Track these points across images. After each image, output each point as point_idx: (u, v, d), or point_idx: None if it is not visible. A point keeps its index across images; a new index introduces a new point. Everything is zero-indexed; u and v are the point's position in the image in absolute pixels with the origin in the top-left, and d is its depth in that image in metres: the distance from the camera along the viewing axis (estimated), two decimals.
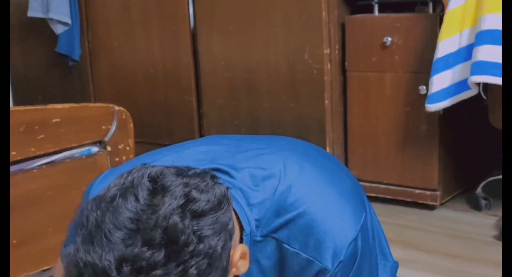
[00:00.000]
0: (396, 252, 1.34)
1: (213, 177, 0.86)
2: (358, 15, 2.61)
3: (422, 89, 2.45)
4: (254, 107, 2.85)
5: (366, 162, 2.64)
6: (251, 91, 2.86)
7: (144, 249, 0.75)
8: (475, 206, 2.55)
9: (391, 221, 2.43)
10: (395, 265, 1.24)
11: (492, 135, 2.70)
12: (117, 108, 2.08)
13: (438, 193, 2.54)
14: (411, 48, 2.47)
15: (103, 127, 2.05)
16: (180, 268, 0.75)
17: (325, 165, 1.08)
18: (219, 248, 0.80)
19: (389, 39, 2.49)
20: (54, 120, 1.93)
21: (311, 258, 0.97)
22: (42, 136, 1.89)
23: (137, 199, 0.78)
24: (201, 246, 0.77)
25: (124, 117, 2.10)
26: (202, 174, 0.85)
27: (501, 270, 2.02)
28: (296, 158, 1.03)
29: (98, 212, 0.79)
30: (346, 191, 1.04)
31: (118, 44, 3.26)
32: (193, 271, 0.76)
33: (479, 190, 2.54)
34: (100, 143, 2.07)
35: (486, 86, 2.20)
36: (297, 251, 0.97)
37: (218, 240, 0.79)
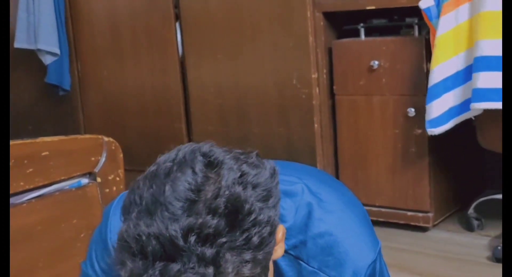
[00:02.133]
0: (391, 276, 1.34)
1: (257, 155, 0.86)
2: (345, 40, 2.63)
3: (411, 111, 2.47)
4: (244, 133, 2.86)
5: (357, 185, 2.64)
6: (241, 117, 2.87)
7: (209, 217, 0.75)
8: (468, 226, 2.55)
9: (384, 244, 2.39)
10: None
11: (482, 155, 2.72)
12: (106, 139, 2.08)
13: (430, 214, 2.54)
14: (398, 71, 2.49)
15: (93, 159, 2.05)
16: (244, 236, 0.76)
17: (340, 189, 1.08)
18: (276, 219, 0.81)
19: (376, 62, 2.51)
20: (43, 154, 1.93)
21: None
22: (31, 170, 1.88)
23: (194, 172, 0.79)
24: (262, 216, 0.78)
25: (113, 147, 2.09)
26: (247, 152, 0.86)
27: None
28: (314, 181, 1.03)
29: (154, 187, 0.79)
30: (363, 215, 1.05)
31: (107, 73, 3.27)
32: (256, 239, 0.77)
33: (471, 210, 2.54)
34: (90, 174, 2.07)
35: None
36: (316, 270, 0.97)
37: (275, 211, 0.81)
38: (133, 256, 0.76)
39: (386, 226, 2.60)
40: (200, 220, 0.75)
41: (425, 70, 2.41)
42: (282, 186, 0.94)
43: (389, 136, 2.56)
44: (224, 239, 0.75)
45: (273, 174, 0.84)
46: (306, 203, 0.99)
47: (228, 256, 0.75)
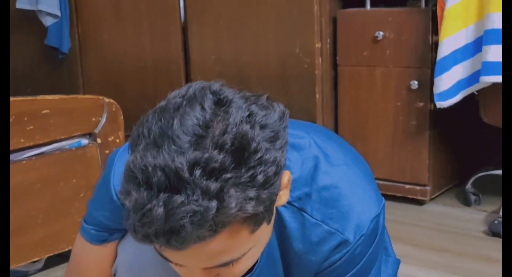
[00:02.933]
0: None
1: (268, 98, 0.86)
2: (350, 9, 2.61)
3: (414, 84, 2.45)
4: None
5: None
6: (242, 85, 2.83)
7: (215, 152, 0.75)
8: (465, 201, 2.55)
9: None
10: (397, 261, 1.24)
11: (482, 131, 2.71)
12: (107, 100, 2.07)
13: (428, 188, 2.54)
14: (403, 42, 2.47)
15: (93, 119, 2.04)
16: (249, 173, 0.76)
17: (346, 146, 1.08)
18: (282, 160, 0.81)
19: (381, 33, 2.49)
20: (43, 111, 1.92)
21: (333, 230, 0.97)
22: (31, 127, 1.87)
23: (203, 108, 0.79)
24: (267, 155, 0.78)
25: (114, 109, 2.08)
26: (258, 95, 0.86)
27: (490, 264, 2.02)
28: (321, 137, 1.03)
29: (163, 120, 0.79)
30: (368, 172, 1.05)
31: (108, 37, 3.24)
32: (260, 177, 0.77)
33: (468, 185, 2.54)
34: (90, 135, 2.06)
35: None
36: (319, 222, 0.97)
37: (282, 153, 0.81)
38: (138, 186, 0.76)
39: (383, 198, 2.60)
40: (206, 155, 0.75)
41: (431, 43, 2.39)
42: (290, 139, 0.94)
43: (391, 108, 2.55)
44: (229, 175, 0.75)
45: (282, 117, 0.84)
46: (313, 156, 0.99)
47: (232, 191, 0.75)
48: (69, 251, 1.95)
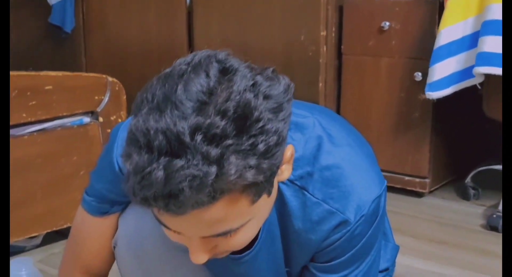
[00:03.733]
0: None
1: (274, 71, 0.86)
2: None
3: (418, 75, 2.45)
4: None
5: None
6: None
7: (217, 119, 0.75)
8: (464, 195, 2.55)
9: None
10: (396, 247, 1.24)
11: (484, 125, 2.71)
12: (110, 79, 2.07)
13: (427, 180, 2.54)
14: (409, 33, 2.46)
15: (96, 98, 2.03)
16: (250, 141, 0.76)
17: (349, 128, 1.08)
18: (285, 132, 0.81)
19: (387, 23, 2.48)
20: (46, 87, 1.91)
21: (333, 209, 0.97)
22: (34, 102, 1.87)
23: (208, 76, 0.79)
24: (270, 125, 0.78)
25: (117, 88, 2.08)
26: (263, 67, 0.86)
27: (487, 257, 2.03)
28: (325, 117, 1.03)
29: (166, 86, 0.79)
30: (370, 153, 1.05)
31: (113, 17, 3.23)
32: (261, 146, 0.77)
33: (468, 179, 2.54)
34: (92, 113, 2.05)
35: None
36: (320, 201, 0.97)
37: (284, 125, 0.81)
38: (139, 149, 0.76)
39: None
40: (208, 121, 0.75)
41: (436, 34, 2.38)
42: (294, 118, 0.94)
43: (394, 99, 2.54)
44: (230, 142, 0.75)
45: (287, 90, 0.84)
46: (316, 136, 0.98)
47: (232, 158, 0.75)
48: (68, 228, 1.95)
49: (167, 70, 0.83)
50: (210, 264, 1.11)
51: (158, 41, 3.10)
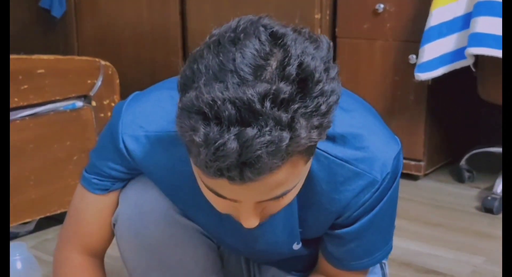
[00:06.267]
0: None
1: (310, 31, 0.86)
2: None
3: (412, 58, 2.43)
4: None
5: None
6: None
7: (282, 84, 0.76)
8: (459, 178, 2.55)
9: None
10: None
11: (479, 108, 2.71)
12: (103, 62, 2.04)
13: (422, 163, 2.54)
14: (403, 16, 2.44)
15: (89, 82, 2.01)
16: (314, 103, 0.77)
17: (350, 94, 1.08)
18: (339, 90, 0.82)
19: (381, 6, 2.46)
20: (38, 71, 1.89)
21: (359, 170, 0.98)
22: (26, 86, 1.85)
23: (260, 41, 0.79)
24: (328, 86, 0.79)
25: (110, 72, 2.05)
26: (301, 28, 0.85)
27: (482, 238, 2.03)
28: None
29: (221, 56, 0.78)
30: (379, 116, 1.07)
31: (105, 0, 3.19)
32: (323, 107, 0.78)
33: (463, 162, 2.54)
34: (85, 97, 2.03)
35: (476, 58, 2.18)
36: (344, 163, 0.98)
37: (338, 83, 0.82)
38: (207, 121, 0.75)
39: None
40: (274, 86, 0.75)
41: None
42: None
43: (389, 82, 2.53)
44: (297, 105, 0.76)
45: (329, 47, 0.84)
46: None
47: (302, 121, 0.76)
48: (61, 214, 1.95)
49: (213, 38, 0.81)
50: (220, 233, 1.11)
51: (151, 25, 3.07)
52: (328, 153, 0.98)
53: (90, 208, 1.15)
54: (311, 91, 0.77)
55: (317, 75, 0.78)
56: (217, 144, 0.74)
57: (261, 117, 0.74)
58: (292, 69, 0.76)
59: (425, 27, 2.22)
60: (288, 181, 0.83)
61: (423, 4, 2.38)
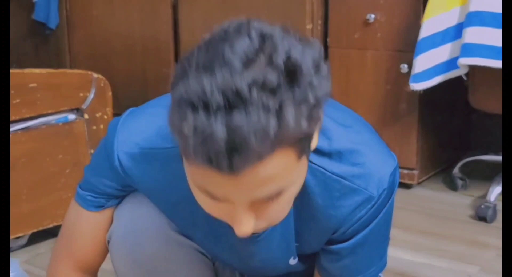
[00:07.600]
0: None
1: (302, 35, 0.87)
2: None
3: (404, 67, 2.44)
4: None
5: None
6: None
7: (270, 73, 0.76)
8: (452, 186, 2.56)
9: None
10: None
11: (471, 116, 2.72)
12: (95, 75, 2.04)
13: (415, 172, 2.54)
14: (394, 26, 2.46)
15: (81, 95, 2.01)
16: (302, 93, 0.77)
17: (345, 109, 1.08)
18: (328, 88, 0.82)
19: (372, 16, 2.47)
20: (30, 85, 1.89)
21: (355, 186, 0.98)
22: (18, 100, 1.85)
23: (250, 37, 0.80)
24: (316, 80, 0.79)
25: (102, 85, 2.06)
26: (293, 30, 0.86)
27: (476, 247, 2.03)
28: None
29: (210, 50, 0.79)
30: (374, 131, 1.07)
31: (97, 13, 3.20)
32: (312, 98, 0.78)
33: (456, 170, 2.55)
34: (78, 110, 2.03)
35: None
36: (340, 179, 0.98)
37: (327, 81, 0.82)
38: (195, 109, 0.75)
39: None
40: (262, 74, 0.76)
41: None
42: None
43: (380, 91, 2.54)
44: (285, 93, 0.76)
45: (320, 49, 0.84)
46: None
47: (290, 108, 0.76)
48: (54, 227, 1.95)
49: (206, 39, 0.83)
50: (216, 249, 1.11)
51: (143, 37, 3.08)
52: (325, 169, 0.98)
53: (84, 225, 1.14)
54: (299, 82, 0.78)
55: (305, 67, 0.78)
56: (205, 130, 0.75)
57: (248, 103, 0.75)
58: (280, 61, 0.77)
59: (418, 37, 2.24)
60: (280, 176, 0.82)
61: (413, 14, 2.40)
